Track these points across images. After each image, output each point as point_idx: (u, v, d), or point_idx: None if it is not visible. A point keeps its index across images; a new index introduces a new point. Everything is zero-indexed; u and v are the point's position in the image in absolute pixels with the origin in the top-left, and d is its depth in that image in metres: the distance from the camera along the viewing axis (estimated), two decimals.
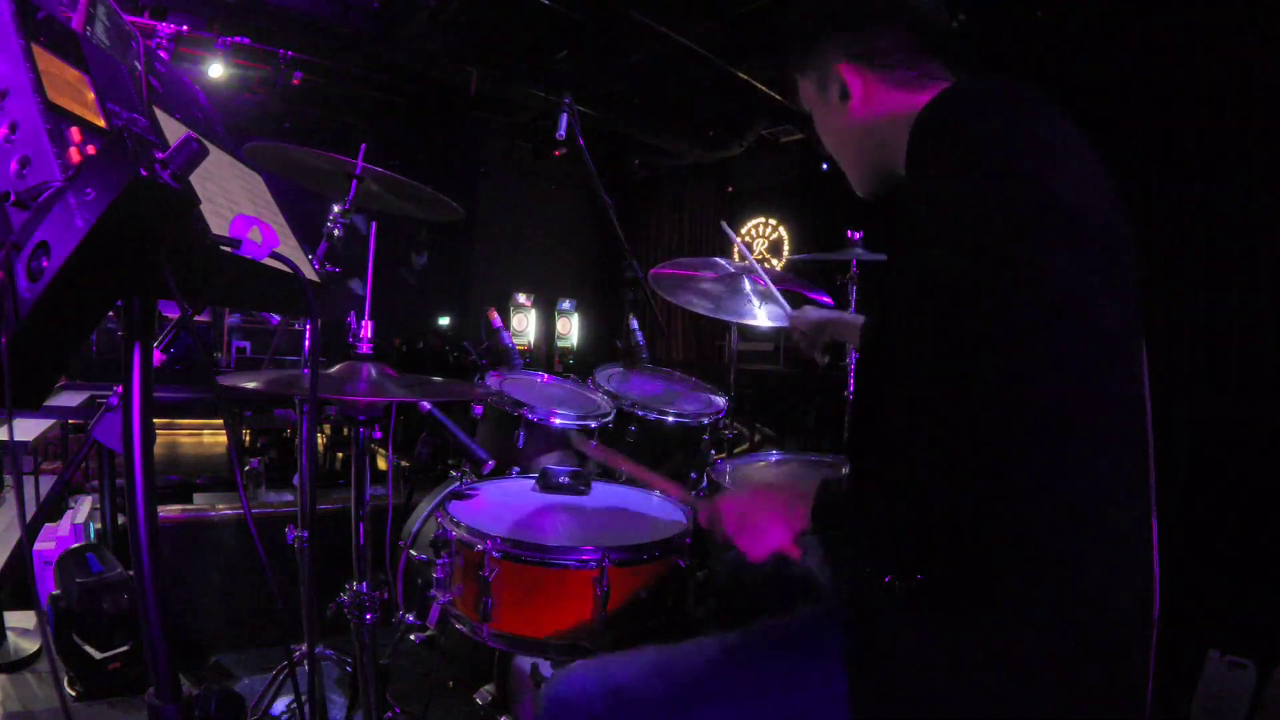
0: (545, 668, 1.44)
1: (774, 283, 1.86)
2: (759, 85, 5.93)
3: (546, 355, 9.03)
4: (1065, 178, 0.74)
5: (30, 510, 1.07)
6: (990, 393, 0.69)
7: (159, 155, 0.60)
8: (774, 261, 7.72)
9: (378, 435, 1.41)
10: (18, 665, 1.32)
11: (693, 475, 1.98)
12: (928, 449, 0.73)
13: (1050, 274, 0.69)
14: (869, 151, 0.99)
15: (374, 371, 1.31)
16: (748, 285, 2.05)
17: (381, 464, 3.40)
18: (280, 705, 1.66)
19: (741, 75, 5.80)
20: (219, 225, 0.79)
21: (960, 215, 0.73)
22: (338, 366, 1.34)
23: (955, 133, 0.77)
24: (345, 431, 3.91)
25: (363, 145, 1.74)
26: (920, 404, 0.79)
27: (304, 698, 1.23)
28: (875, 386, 0.95)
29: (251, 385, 1.25)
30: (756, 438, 3.12)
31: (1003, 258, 0.69)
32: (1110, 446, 0.74)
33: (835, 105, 0.98)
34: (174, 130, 0.87)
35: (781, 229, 7.82)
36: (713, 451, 2.04)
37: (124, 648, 1.32)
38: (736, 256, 2.12)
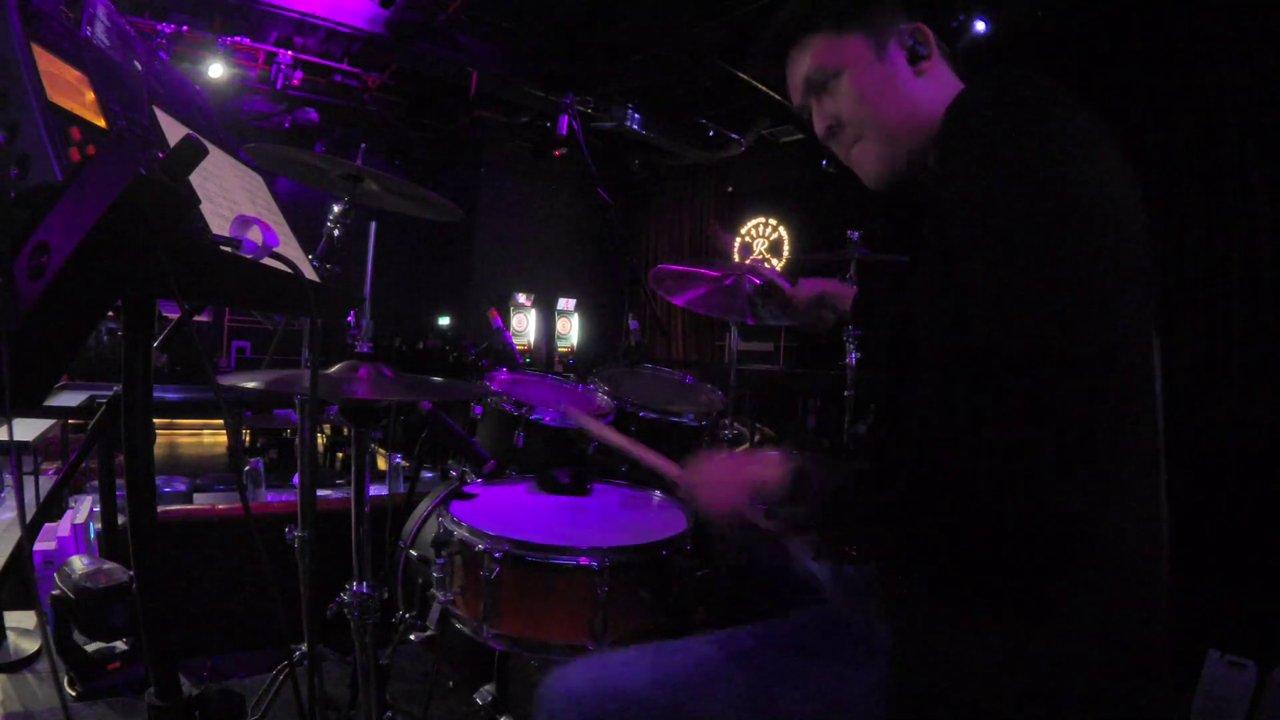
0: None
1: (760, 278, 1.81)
2: (759, 85, 5.93)
3: (546, 355, 9.02)
4: (1114, 193, 0.74)
5: (30, 510, 1.07)
6: (1037, 407, 0.68)
7: (159, 155, 0.60)
8: (774, 262, 7.71)
9: (377, 435, 1.41)
10: (18, 665, 1.31)
11: None
12: (968, 456, 0.72)
13: (1111, 302, 0.69)
14: (917, 130, 0.92)
15: (374, 371, 1.31)
16: (748, 285, 2.04)
17: (382, 464, 3.40)
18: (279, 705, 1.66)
19: (742, 75, 5.80)
20: (219, 225, 0.80)
21: (1012, 233, 0.71)
22: (338, 366, 1.34)
23: (1003, 140, 0.75)
24: (345, 431, 3.91)
25: (363, 145, 1.74)
26: (955, 408, 0.77)
27: (304, 698, 1.22)
28: (899, 385, 0.93)
29: (251, 385, 1.25)
30: (756, 438, 3.12)
31: (1063, 282, 0.69)
32: (1144, 457, 0.75)
33: (899, 67, 0.91)
34: (174, 130, 0.87)
35: (781, 229, 7.82)
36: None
37: (124, 648, 1.32)
38: (735, 255, 2.11)
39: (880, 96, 0.93)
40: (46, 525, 1.73)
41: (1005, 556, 0.73)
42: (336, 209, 1.78)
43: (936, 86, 0.93)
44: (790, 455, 0.85)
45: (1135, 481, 0.77)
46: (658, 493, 1.68)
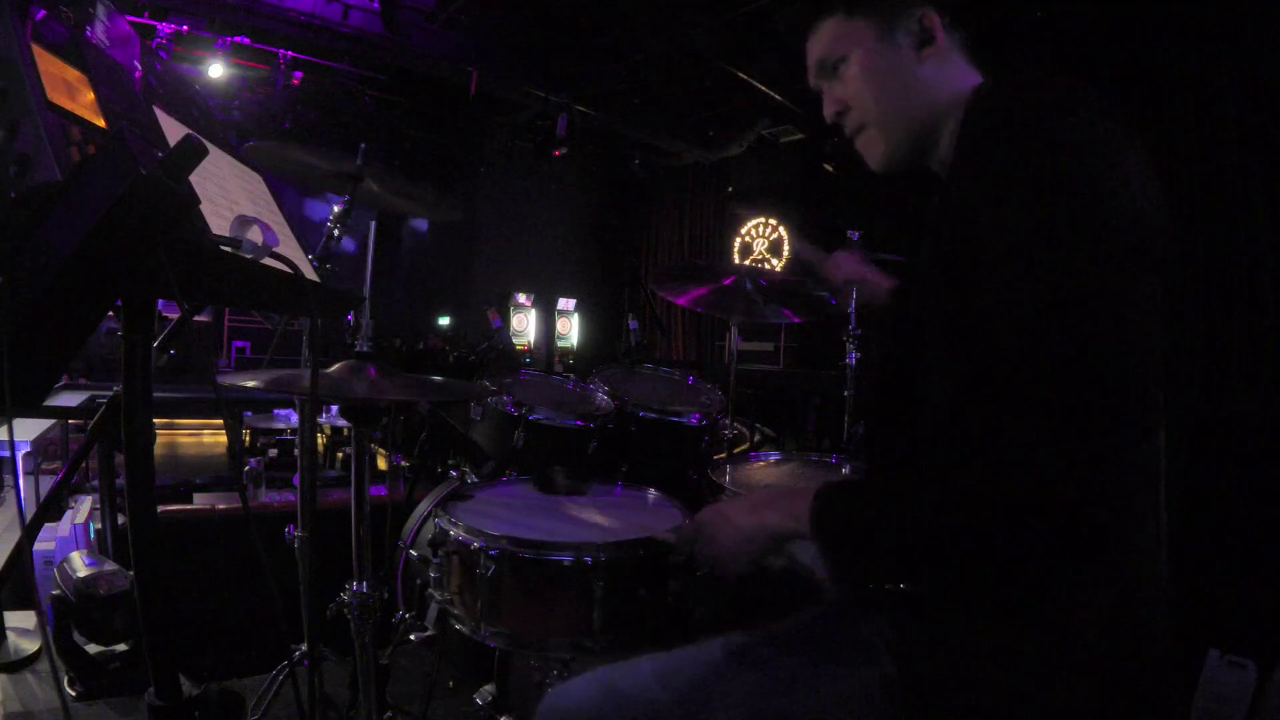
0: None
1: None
2: (759, 85, 5.93)
3: (546, 355, 9.02)
4: (1137, 193, 0.73)
5: (30, 510, 1.07)
6: (1042, 404, 0.68)
7: (159, 155, 0.60)
8: (774, 261, 7.72)
9: (377, 435, 1.41)
10: (18, 665, 1.31)
11: (693, 475, 1.97)
12: (968, 458, 0.71)
13: (1130, 306, 0.69)
14: (919, 117, 0.93)
15: (374, 371, 1.31)
16: (749, 285, 2.04)
17: (382, 464, 3.40)
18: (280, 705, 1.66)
19: (741, 75, 5.80)
20: (219, 225, 0.79)
21: (1034, 238, 0.71)
22: (337, 366, 1.34)
23: (1026, 143, 0.74)
24: (345, 431, 3.91)
25: (362, 145, 1.74)
26: (960, 410, 0.78)
27: (304, 698, 1.22)
28: (904, 387, 0.93)
29: (251, 385, 1.25)
30: (756, 438, 3.12)
31: (1084, 288, 0.69)
32: (1147, 457, 0.75)
33: (905, 53, 0.92)
34: (174, 130, 0.87)
35: (781, 229, 7.82)
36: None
37: (124, 648, 1.32)
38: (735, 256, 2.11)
39: (883, 81, 0.93)
40: (46, 525, 1.73)
41: (1015, 557, 0.73)
42: (336, 209, 1.78)
43: (944, 74, 0.92)
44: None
45: (1144, 482, 0.77)
46: (653, 492, 1.68)
